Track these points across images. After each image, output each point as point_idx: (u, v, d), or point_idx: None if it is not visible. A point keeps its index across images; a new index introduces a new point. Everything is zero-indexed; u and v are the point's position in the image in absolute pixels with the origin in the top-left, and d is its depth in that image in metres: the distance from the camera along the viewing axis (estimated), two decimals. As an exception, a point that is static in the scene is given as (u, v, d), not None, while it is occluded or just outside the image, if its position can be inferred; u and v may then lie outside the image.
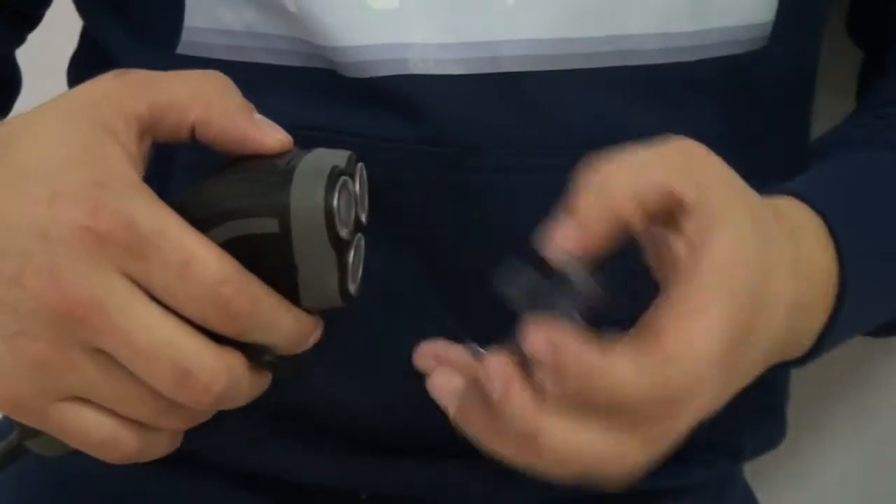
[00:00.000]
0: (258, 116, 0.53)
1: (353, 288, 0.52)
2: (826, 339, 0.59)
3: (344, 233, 0.51)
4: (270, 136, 0.52)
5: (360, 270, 0.53)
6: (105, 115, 0.51)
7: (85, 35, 0.72)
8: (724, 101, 0.63)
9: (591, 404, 0.48)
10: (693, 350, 0.48)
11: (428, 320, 0.61)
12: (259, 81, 0.61)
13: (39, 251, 0.49)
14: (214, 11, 0.61)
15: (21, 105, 0.74)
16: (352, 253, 0.51)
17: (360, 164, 0.53)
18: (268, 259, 0.50)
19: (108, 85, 0.53)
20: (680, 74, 0.62)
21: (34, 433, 0.55)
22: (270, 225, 0.50)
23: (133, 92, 0.52)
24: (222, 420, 0.54)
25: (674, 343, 0.48)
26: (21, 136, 0.52)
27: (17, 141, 0.51)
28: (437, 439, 0.65)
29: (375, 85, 0.59)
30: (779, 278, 0.52)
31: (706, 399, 0.50)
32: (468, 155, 0.59)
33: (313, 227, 0.50)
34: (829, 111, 0.73)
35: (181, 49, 0.63)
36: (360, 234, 0.53)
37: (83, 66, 0.71)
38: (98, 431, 0.51)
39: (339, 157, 0.52)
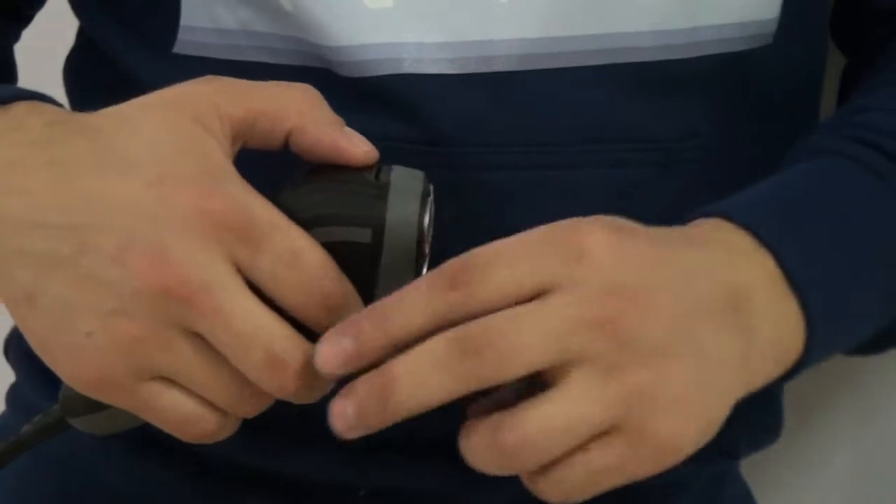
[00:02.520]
0: (348, 129, 0.54)
1: None
2: (813, 313, 0.55)
3: (426, 250, 0.53)
4: (360, 148, 0.53)
5: None
6: (202, 112, 0.52)
7: (81, 34, 0.72)
8: (720, 99, 0.63)
9: None
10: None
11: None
12: (255, 80, 0.61)
13: (147, 231, 0.49)
14: (210, 10, 0.62)
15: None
16: (424, 270, 0.53)
17: (431, 185, 0.54)
18: (351, 267, 0.52)
19: (202, 87, 0.53)
20: (673, 71, 0.62)
21: (79, 412, 0.55)
22: (363, 235, 0.52)
23: (229, 95, 0.53)
24: None
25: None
26: (117, 127, 0.52)
27: (113, 131, 0.52)
28: (432, 437, 0.65)
29: (371, 84, 0.60)
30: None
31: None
32: (462, 154, 0.60)
33: (405, 242, 0.52)
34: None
35: (178, 48, 0.63)
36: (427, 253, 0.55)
37: (80, 65, 0.71)
38: (182, 410, 0.52)
39: (418, 176, 0.53)
